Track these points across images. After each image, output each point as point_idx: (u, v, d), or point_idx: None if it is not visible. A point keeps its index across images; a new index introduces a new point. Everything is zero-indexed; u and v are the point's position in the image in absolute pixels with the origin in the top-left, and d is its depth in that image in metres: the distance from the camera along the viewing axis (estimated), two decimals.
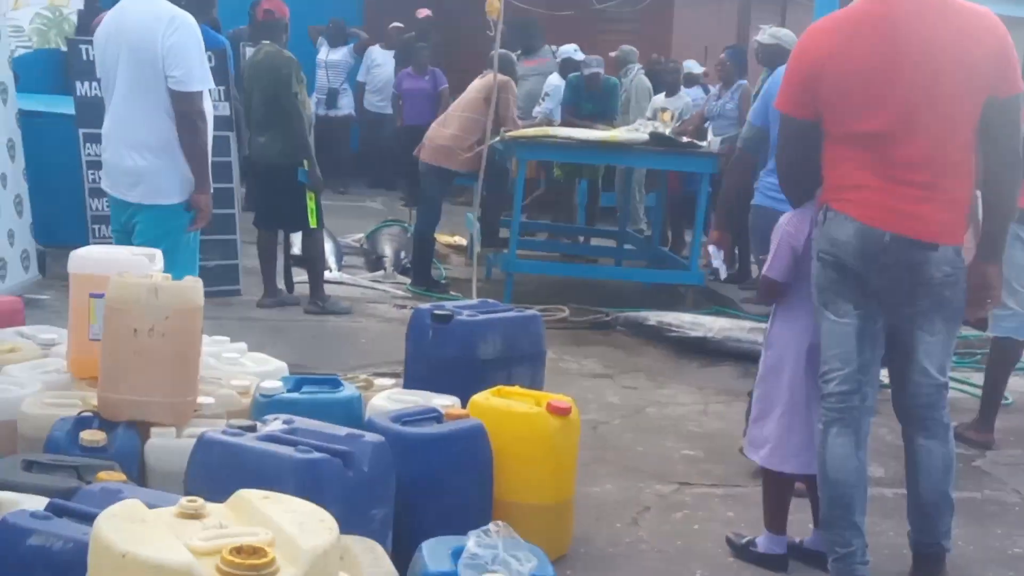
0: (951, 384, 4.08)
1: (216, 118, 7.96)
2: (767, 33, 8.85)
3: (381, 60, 13.87)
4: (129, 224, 5.26)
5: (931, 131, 3.66)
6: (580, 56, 11.36)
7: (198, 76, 5.11)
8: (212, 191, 5.32)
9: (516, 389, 4.16)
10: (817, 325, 3.89)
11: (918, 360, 3.84)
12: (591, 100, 10.87)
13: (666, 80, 11.21)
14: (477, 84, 8.86)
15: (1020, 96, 3.75)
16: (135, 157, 5.16)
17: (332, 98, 13.58)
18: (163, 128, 5.13)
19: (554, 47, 11.85)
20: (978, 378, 7.14)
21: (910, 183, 3.68)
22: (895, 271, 3.73)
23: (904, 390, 3.91)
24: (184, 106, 5.09)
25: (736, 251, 10.02)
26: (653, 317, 7.86)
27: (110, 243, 5.71)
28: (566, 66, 11.47)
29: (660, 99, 10.76)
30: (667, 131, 9.04)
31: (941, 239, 3.70)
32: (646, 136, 8.78)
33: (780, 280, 4.04)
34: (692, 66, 11.74)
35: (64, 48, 8.98)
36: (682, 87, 11.21)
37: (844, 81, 3.69)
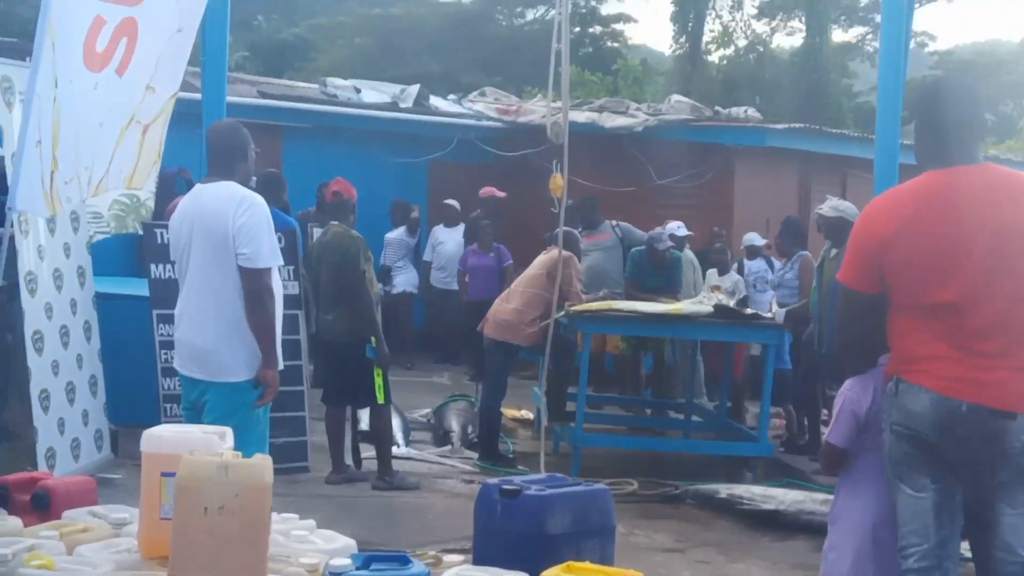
0: None
1: (286, 296, 8.16)
2: (829, 205, 8.95)
3: (444, 237, 14.11)
4: (199, 402, 5.32)
5: (1001, 299, 3.66)
6: (684, 232, 11.50)
7: (266, 254, 5.24)
8: (280, 367, 5.39)
9: (587, 565, 4.09)
10: (892, 500, 3.83)
11: (1001, 535, 3.74)
12: (655, 274, 10.94)
13: (713, 259, 11.29)
14: (540, 260, 8.99)
15: None
16: (203, 334, 5.26)
17: (385, 275, 13.75)
18: (230, 306, 5.23)
19: (613, 222, 12.01)
20: None
21: (983, 353, 3.66)
22: (973, 442, 3.68)
23: (987, 568, 3.80)
24: (252, 283, 5.21)
25: (806, 421, 9.96)
26: (724, 490, 7.76)
27: (181, 422, 5.78)
28: (629, 241, 11.61)
29: (713, 275, 10.81)
30: (731, 303, 9.06)
31: (1019, 408, 3.66)
32: (711, 308, 8.81)
33: (842, 446, 3.99)
34: (753, 239, 11.80)
35: (140, 232, 9.24)
36: (736, 263, 11.30)
37: (914, 254, 3.71)
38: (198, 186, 5.54)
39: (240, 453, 3.93)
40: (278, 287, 5.40)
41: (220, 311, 5.25)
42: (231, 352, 5.24)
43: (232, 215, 5.20)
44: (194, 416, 5.30)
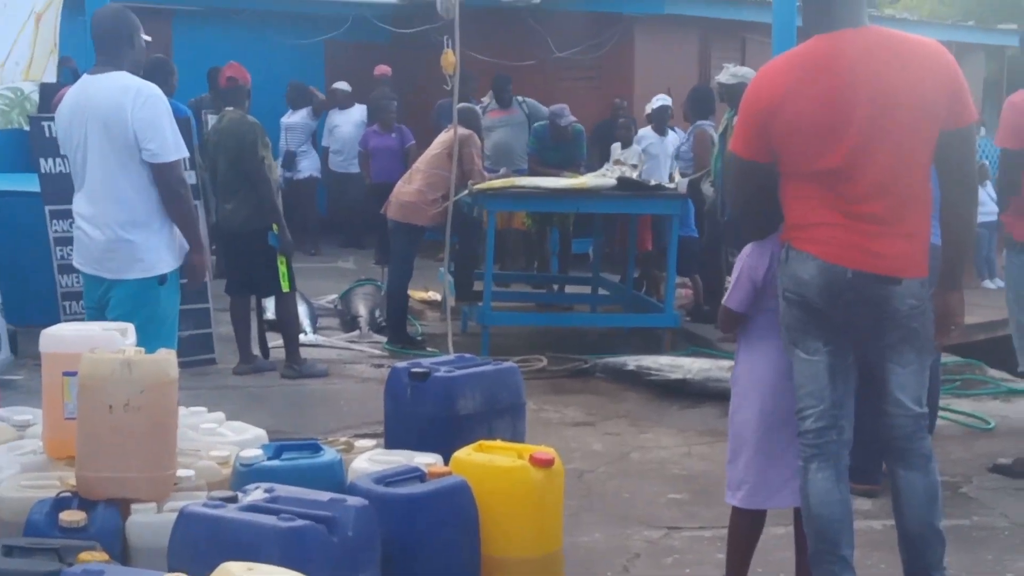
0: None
1: None
2: (728, 72, 8.97)
3: (338, 121, 13.91)
4: (103, 300, 5.22)
5: (884, 165, 3.69)
6: (665, 101, 11.51)
7: (172, 147, 5.10)
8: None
9: (498, 443, 4.14)
10: (789, 363, 3.90)
11: (892, 392, 3.83)
12: (558, 149, 10.92)
13: (617, 133, 11.27)
14: (440, 139, 8.90)
15: (973, 126, 3.80)
16: (106, 232, 5.13)
17: (290, 160, 13.57)
18: (139, 203, 5.10)
19: (520, 98, 11.93)
20: (958, 404, 7.18)
21: (867, 218, 3.70)
22: (860, 307, 3.74)
23: (881, 423, 3.90)
24: (165, 177, 5.09)
25: (704, 289, 10.10)
26: (632, 362, 7.85)
27: (82, 320, 5.67)
28: (535, 116, 11.55)
29: (616, 149, 10.80)
30: (634, 175, 9.07)
31: (904, 272, 3.72)
32: (614, 181, 8.82)
33: (738, 311, 4.05)
34: (663, 100, 11.73)
35: (27, 127, 8.96)
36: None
37: (798, 121, 3.71)
38: (86, 77, 5.31)
39: (144, 349, 3.88)
40: (185, 176, 5.29)
41: (123, 208, 5.10)
42: (135, 249, 5.11)
43: (130, 109, 5.01)
44: (98, 315, 5.19)
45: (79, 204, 5.26)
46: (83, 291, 5.46)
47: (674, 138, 11.54)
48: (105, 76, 5.14)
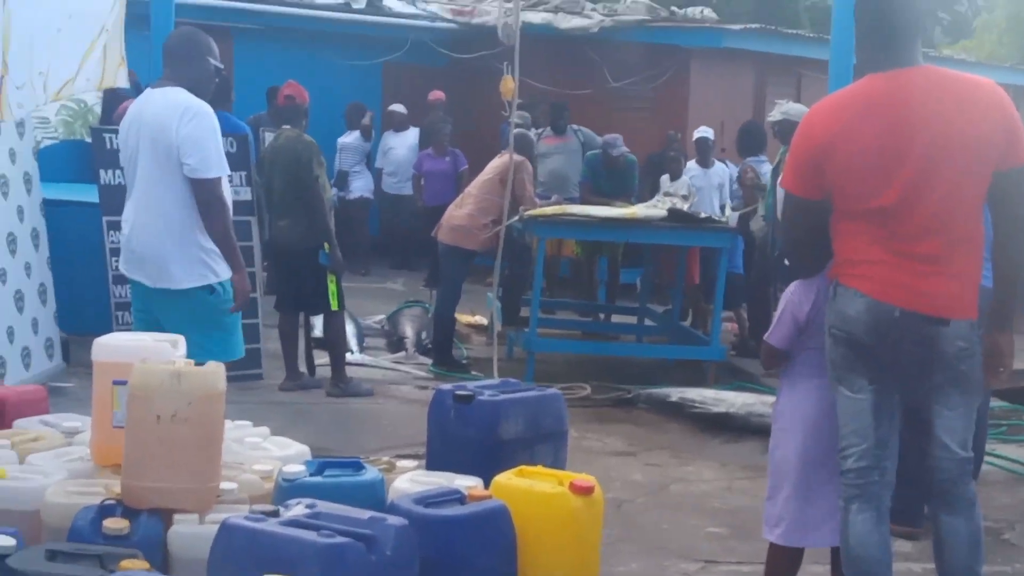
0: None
1: (237, 203, 8.09)
2: (778, 111, 8.98)
3: (393, 143, 14.01)
4: (149, 308, 5.31)
5: (937, 205, 3.68)
6: (706, 133, 11.53)
7: (213, 163, 5.17)
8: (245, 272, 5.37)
9: (539, 469, 4.15)
10: (831, 401, 3.89)
11: (937, 435, 3.81)
12: (610, 178, 10.95)
13: (667, 165, 11.26)
14: (493, 164, 8.96)
15: None
16: (146, 242, 5.22)
17: (342, 180, 13.67)
18: (171, 215, 5.18)
19: (575, 126, 11.99)
20: (1004, 449, 7.11)
21: (917, 258, 3.69)
22: (907, 347, 3.73)
23: (925, 466, 3.88)
24: (202, 193, 5.16)
25: (750, 325, 10.07)
26: (675, 393, 7.85)
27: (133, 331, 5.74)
28: (589, 145, 11.61)
29: (666, 181, 10.81)
30: (685, 207, 9.08)
31: (952, 313, 3.71)
32: (664, 212, 8.83)
33: (780, 347, 4.05)
34: (705, 132, 11.73)
35: (89, 139, 9.11)
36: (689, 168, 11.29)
37: (853, 159, 3.72)
38: (147, 91, 5.42)
39: (193, 361, 3.93)
40: (228, 194, 5.34)
41: (161, 220, 5.19)
42: (172, 261, 5.19)
43: (177, 124, 5.11)
44: (145, 320, 5.29)
45: (126, 212, 5.36)
46: (131, 296, 5.54)
47: (721, 170, 11.50)
48: (163, 91, 5.25)
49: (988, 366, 3.83)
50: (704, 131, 11.62)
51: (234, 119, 9.34)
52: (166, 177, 5.17)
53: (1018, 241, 3.83)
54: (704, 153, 11.47)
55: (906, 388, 3.83)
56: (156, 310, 5.28)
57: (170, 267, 5.20)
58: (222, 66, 5.54)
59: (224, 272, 5.27)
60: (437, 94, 13.97)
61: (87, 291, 7.97)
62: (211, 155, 5.16)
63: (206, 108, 5.23)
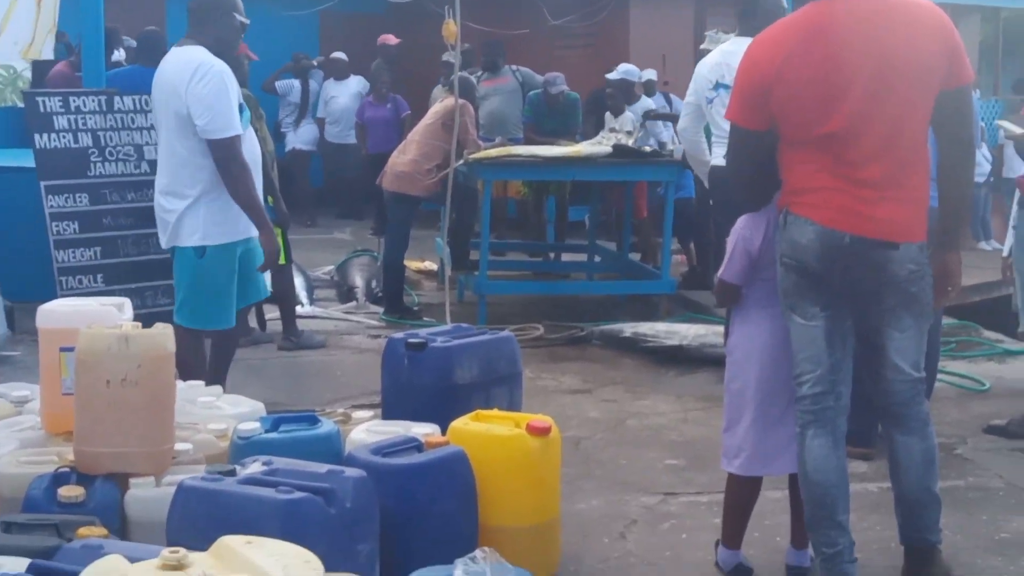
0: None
1: None
2: (709, 40, 9.01)
3: (334, 92, 13.88)
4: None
5: (883, 129, 3.68)
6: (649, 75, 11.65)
7: (223, 123, 5.14)
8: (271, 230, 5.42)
9: (495, 412, 4.16)
10: (785, 331, 3.91)
11: (890, 357, 3.85)
12: (553, 117, 10.91)
13: (608, 102, 11.24)
14: (434, 109, 8.90)
15: (970, 86, 3.81)
16: (162, 202, 5.33)
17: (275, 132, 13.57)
18: (185, 175, 5.24)
19: (513, 66, 11.91)
20: (954, 365, 7.21)
21: (865, 183, 3.70)
22: (858, 272, 3.75)
23: (878, 388, 3.92)
24: (217, 152, 5.16)
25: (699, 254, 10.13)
26: (628, 329, 7.87)
27: (78, 296, 5.69)
28: (529, 85, 11.54)
29: (608, 118, 10.79)
30: (629, 142, 9.06)
31: (901, 237, 3.72)
32: (610, 148, 8.81)
33: (735, 283, 4.06)
34: (650, 74, 11.84)
35: (21, 104, 8.95)
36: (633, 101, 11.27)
37: (798, 87, 3.71)
38: (173, 49, 5.43)
39: (139, 324, 3.89)
40: (248, 152, 5.32)
41: (171, 179, 5.28)
42: (183, 219, 5.25)
43: (187, 83, 5.12)
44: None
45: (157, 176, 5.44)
46: None
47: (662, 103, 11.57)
48: (182, 50, 5.29)
49: (938, 286, 3.87)
50: (648, 73, 11.70)
51: None
52: (180, 136, 5.21)
53: (963, 161, 3.85)
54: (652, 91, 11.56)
55: (858, 313, 3.85)
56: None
57: (177, 226, 5.28)
58: (247, 20, 5.54)
59: (218, 236, 5.26)
60: (385, 38, 13.81)
61: (29, 258, 7.85)
62: (221, 114, 5.14)
63: (219, 66, 5.21)
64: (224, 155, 5.15)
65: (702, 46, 9.38)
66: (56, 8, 6.80)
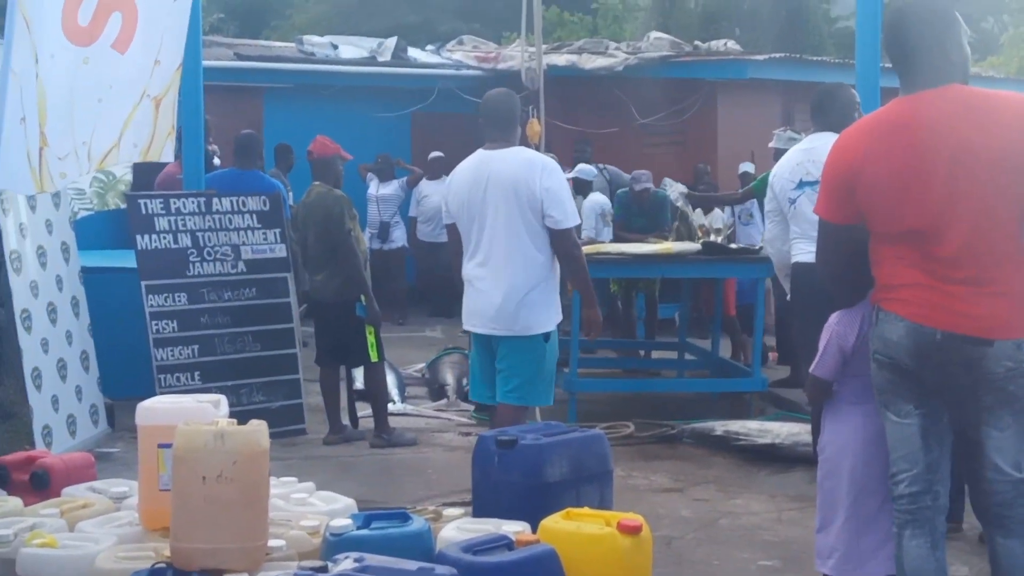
0: None
1: (273, 260, 8.19)
2: (782, 138, 9.05)
3: (428, 191, 14.09)
4: (495, 354, 5.79)
5: (969, 225, 3.64)
6: (747, 168, 11.87)
7: (572, 214, 5.71)
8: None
9: (586, 511, 4.13)
10: (878, 428, 3.86)
11: (989, 457, 3.76)
12: (642, 215, 10.96)
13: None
14: None
15: None
16: (510, 292, 5.66)
17: (384, 231, 13.81)
18: (534, 264, 5.69)
19: (601, 165, 12.01)
20: None
21: (955, 280, 3.66)
22: (951, 369, 3.69)
23: (978, 489, 3.83)
24: (564, 241, 5.71)
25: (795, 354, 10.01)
26: (719, 427, 7.80)
27: (176, 393, 5.79)
28: (616, 183, 11.62)
29: (698, 215, 10.81)
30: (719, 239, 9.07)
31: (995, 334, 3.66)
32: (699, 246, 8.82)
33: (827, 379, 4.02)
34: (747, 167, 11.90)
35: (122, 206, 9.22)
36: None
37: (880, 181, 3.70)
38: (483, 152, 5.87)
39: (235, 421, 3.95)
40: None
41: (527, 269, 5.67)
42: (530, 308, 5.68)
43: (538, 179, 5.62)
44: (489, 370, 5.85)
45: (472, 268, 5.85)
46: (473, 350, 5.99)
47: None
48: (508, 151, 5.79)
49: None
50: (745, 166, 11.72)
51: (268, 178, 9.44)
52: (528, 229, 5.68)
53: None
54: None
55: (954, 411, 3.79)
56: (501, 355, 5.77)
57: (530, 314, 5.70)
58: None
59: (555, 321, 5.79)
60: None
61: (129, 356, 8.03)
62: (569, 207, 5.72)
63: (555, 163, 5.90)
64: (570, 242, 5.75)
65: (771, 144, 9.44)
66: (174, 112, 7.04)
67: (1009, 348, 3.67)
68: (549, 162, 5.80)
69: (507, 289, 5.67)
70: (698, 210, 10.87)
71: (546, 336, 5.74)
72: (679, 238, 9.89)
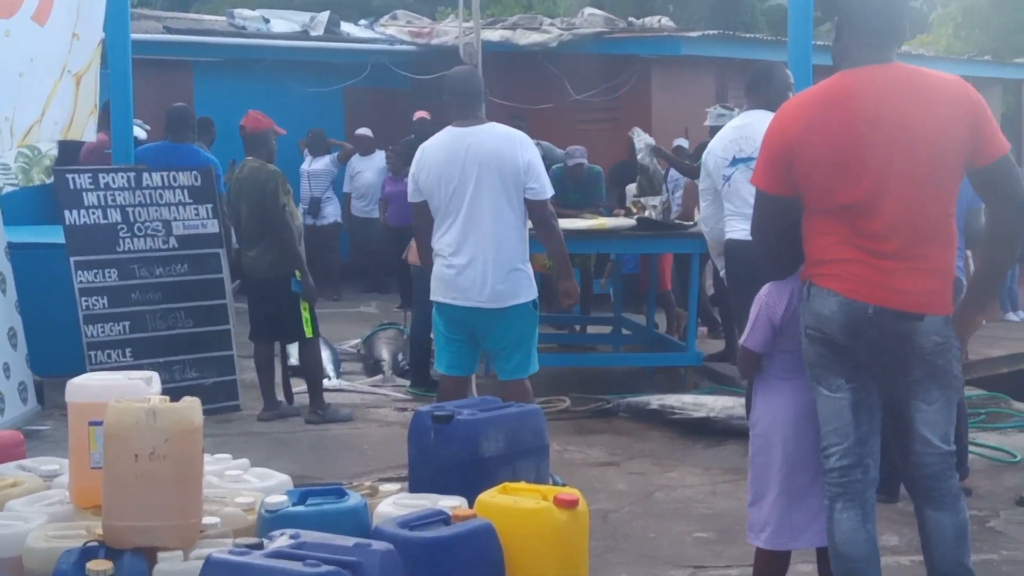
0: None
1: (205, 235, 8.11)
2: (714, 115, 9.11)
3: (361, 167, 14.01)
4: (480, 330, 5.90)
5: (904, 201, 3.68)
6: (681, 143, 11.88)
7: (548, 186, 5.87)
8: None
9: (522, 485, 4.14)
10: (809, 402, 3.90)
11: (918, 430, 3.81)
12: (576, 190, 10.95)
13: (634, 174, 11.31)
14: None
15: (1008, 156, 3.75)
16: (501, 264, 5.76)
17: (316, 207, 13.72)
18: (520, 235, 5.86)
19: (535, 140, 11.97)
20: (984, 437, 7.15)
21: (887, 255, 3.70)
22: (883, 343, 3.74)
23: (908, 462, 3.88)
24: (543, 212, 5.87)
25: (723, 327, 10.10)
26: (655, 401, 7.85)
27: (107, 370, 5.72)
28: (551, 159, 11.60)
29: (632, 189, 10.83)
30: (654, 215, 9.10)
31: (926, 309, 3.71)
32: (633, 221, 8.84)
33: (758, 351, 4.05)
34: (681, 142, 11.96)
35: (48, 181, 9.06)
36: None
37: (818, 156, 3.73)
38: (455, 129, 5.90)
39: (168, 398, 3.91)
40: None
41: (514, 241, 5.80)
42: (523, 277, 5.85)
43: (519, 152, 5.78)
44: (463, 343, 5.95)
45: (450, 242, 5.82)
46: (445, 324, 5.98)
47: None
48: (483, 127, 5.88)
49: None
50: (679, 141, 11.78)
51: (203, 152, 9.32)
52: (511, 202, 5.79)
53: (1012, 222, 3.75)
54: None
55: (884, 385, 3.84)
56: (491, 329, 5.89)
57: (522, 283, 5.86)
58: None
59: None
60: (420, 113, 13.98)
61: (59, 333, 7.92)
62: (546, 179, 5.87)
63: (529, 138, 6.02)
64: (547, 212, 5.89)
65: (705, 123, 9.49)
66: (96, 90, 6.93)
67: (938, 323, 3.72)
68: (524, 136, 5.94)
69: (499, 262, 5.77)
70: (630, 185, 10.90)
71: (535, 303, 5.89)
72: (642, 192, 9.91)
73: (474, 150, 5.78)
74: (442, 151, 5.87)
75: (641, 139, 10.12)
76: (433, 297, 5.97)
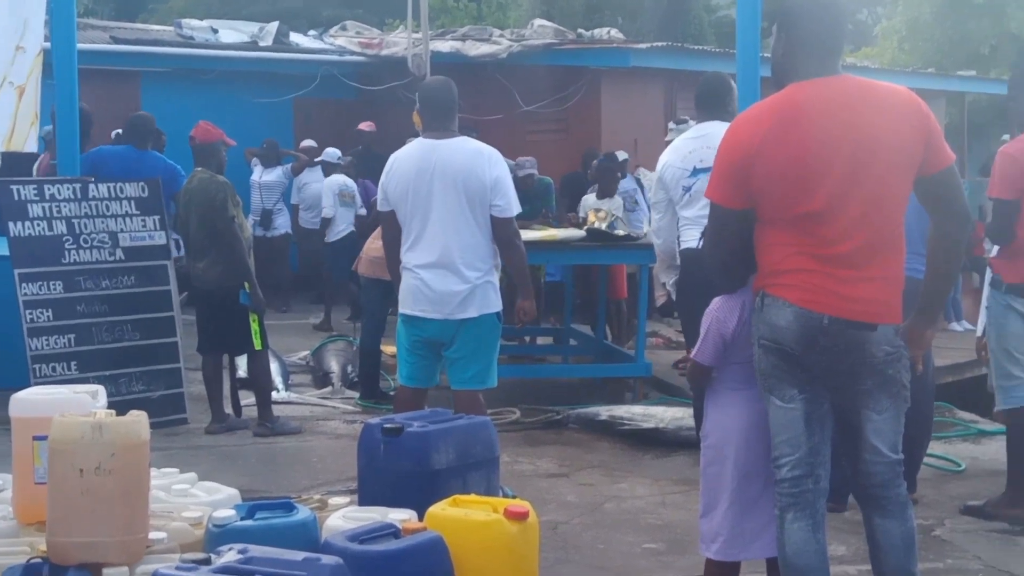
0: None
1: (152, 247, 8.04)
2: (677, 130, 9.17)
3: (308, 178, 13.94)
4: (441, 341, 5.87)
5: (857, 207, 3.72)
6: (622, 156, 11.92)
7: (515, 204, 5.86)
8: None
9: (472, 497, 4.13)
10: (760, 413, 3.92)
11: (867, 439, 3.85)
12: (526, 201, 10.94)
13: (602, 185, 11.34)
14: None
15: (953, 166, 3.82)
16: (463, 276, 5.75)
17: (267, 218, 13.66)
18: (483, 250, 5.81)
19: None
20: (930, 447, 7.21)
21: (840, 261, 3.73)
22: (836, 353, 3.77)
23: (857, 470, 3.91)
24: (507, 229, 5.85)
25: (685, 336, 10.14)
26: (604, 412, 7.87)
27: (52, 384, 5.64)
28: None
29: (592, 200, 10.86)
30: (603, 226, 9.12)
31: (879, 318, 3.75)
32: (583, 232, 8.87)
33: (707, 364, 4.07)
34: (622, 155, 12.00)
35: None
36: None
37: (777, 167, 3.74)
38: (427, 141, 5.90)
39: (114, 412, 3.86)
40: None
41: (476, 255, 5.77)
42: (488, 290, 5.81)
43: (487, 168, 5.76)
44: (430, 356, 5.95)
45: (418, 256, 5.81)
46: (409, 336, 5.95)
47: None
48: (453, 141, 5.88)
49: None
50: (620, 154, 11.83)
51: (166, 159, 9.25)
52: (476, 217, 5.77)
53: (955, 233, 3.82)
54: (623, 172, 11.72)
55: (835, 395, 3.86)
56: (454, 339, 5.85)
57: (486, 295, 5.84)
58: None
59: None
60: (363, 125, 13.94)
61: (2, 345, 7.81)
62: (513, 196, 5.87)
63: (499, 153, 5.94)
64: (512, 230, 5.88)
65: (667, 139, 9.53)
66: (37, 100, 6.86)
67: (889, 333, 3.77)
68: (494, 152, 5.90)
69: (465, 275, 5.76)
70: (587, 195, 10.93)
71: (498, 315, 5.88)
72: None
73: (442, 163, 5.78)
74: (411, 162, 5.87)
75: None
76: (401, 309, 5.96)
